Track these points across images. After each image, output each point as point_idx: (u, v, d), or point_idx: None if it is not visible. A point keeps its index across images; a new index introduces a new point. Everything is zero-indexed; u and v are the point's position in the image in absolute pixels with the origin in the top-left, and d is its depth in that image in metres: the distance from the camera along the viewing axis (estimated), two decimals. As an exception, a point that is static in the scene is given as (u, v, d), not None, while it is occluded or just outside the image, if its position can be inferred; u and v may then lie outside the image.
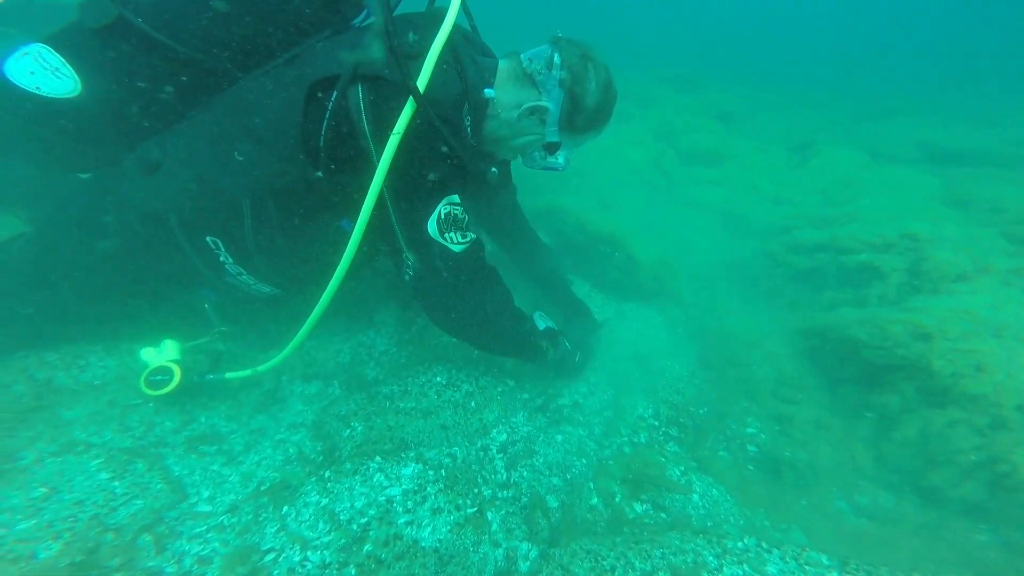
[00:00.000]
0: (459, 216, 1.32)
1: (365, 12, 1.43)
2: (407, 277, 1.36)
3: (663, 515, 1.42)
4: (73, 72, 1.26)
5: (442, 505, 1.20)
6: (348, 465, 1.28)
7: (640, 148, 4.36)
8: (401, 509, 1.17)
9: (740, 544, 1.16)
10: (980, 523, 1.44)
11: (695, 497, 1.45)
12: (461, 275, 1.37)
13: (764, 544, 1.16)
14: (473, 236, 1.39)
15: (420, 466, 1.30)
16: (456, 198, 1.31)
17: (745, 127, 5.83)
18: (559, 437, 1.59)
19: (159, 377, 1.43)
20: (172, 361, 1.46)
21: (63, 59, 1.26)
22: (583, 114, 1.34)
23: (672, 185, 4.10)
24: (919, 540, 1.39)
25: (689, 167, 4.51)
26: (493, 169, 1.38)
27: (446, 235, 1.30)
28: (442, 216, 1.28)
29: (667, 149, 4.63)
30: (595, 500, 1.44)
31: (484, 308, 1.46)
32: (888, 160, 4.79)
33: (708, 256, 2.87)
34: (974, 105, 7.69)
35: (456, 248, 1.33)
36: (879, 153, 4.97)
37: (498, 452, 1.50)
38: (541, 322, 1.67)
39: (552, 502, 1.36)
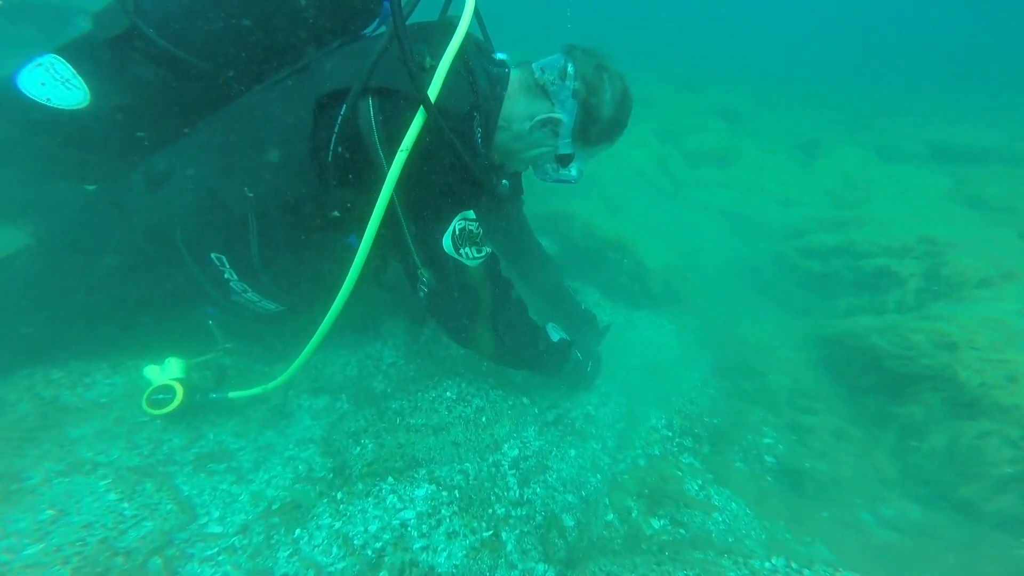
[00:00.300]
0: (474, 231, 1.29)
1: (376, 22, 1.40)
2: (421, 294, 1.34)
3: (682, 531, 1.39)
4: (83, 83, 1.26)
5: (457, 528, 1.17)
6: (360, 486, 1.26)
7: (645, 150, 4.33)
8: (416, 533, 1.14)
9: (768, 564, 1.12)
10: (1022, 537, 1.39)
11: (714, 512, 1.41)
12: (477, 291, 1.34)
13: (794, 564, 1.13)
14: (488, 250, 1.36)
15: (433, 487, 1.27)
16: (471, 213, 1.28)
17: (749, 126, 5.78)
18: (572, 452, 1.55)
19: (161, 396, 1.41)
20: (175, 380, 1.43)
21: (74, 70, 1.26)
22: (598, 126, 1.31)
23: (678, 187, 4.07)
24: (955, 555, 1.34)
25: (695, 168, 4.47)
26: (504, 181, 1.35)
27: (461, 251, 1.27)
28: (457, 232, 1.25)
29: (672, 150, 4.59)
30: (611, 516, 1.41)
31: (500, 323, 1.43)
32: (896, 158, 4.74)
33: (718, 260, 2.83)
34: (977, 103, 7.62)
35: (472, 263, 1.31)
36: (886, 151, 4.92)
37: (510, 468, 1.47)
38: (554, 334, 1.65)
39: (568, 521, 1.33)
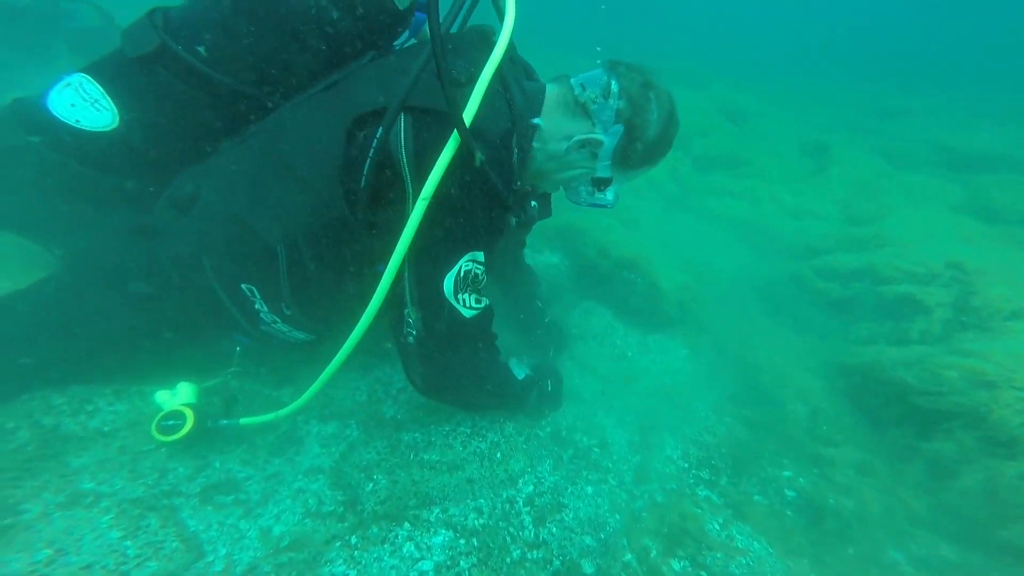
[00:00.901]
0: (479, 276, 1.20)
1: (406, 34, 1.33)
2: (411, 339, 1.21)
3: (703, 574, 1.34)
4: (112, 104, 1.22)
5: (477, 582, 1.12)
6: (375, 529, 1.21)
7: (656, 157, 4.26)
8: (434, 588, 1.10)
9: (798, 624, 1.08)
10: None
11: (738, 556, 1.37)
12: (470, 343, 1.26)
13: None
14: (487, 302, 1.27)
15: (451, 534, 1.22)
16: (481, 255, 1.19)
17: (756, 127, 5.71)
18: (589, 489, 1.51)
19: (171, 422, 1.36)
20: (186, 405, 1.38)
21: (103, 90, 1.23)
22: (641, 148, 1.22)
23: (689, 196, 4.01)
24: (994, 597, 1.30)
25: (705, 174, 4.40)
26: (533, 203, 1.28)
27: (459, 296, 1.18)
28: (461, 274, 1.16)
29: (682, 156, 4.53)
30: (629, 556, 1.36)
31: (481, 381, 1.36)
32: (905, 165, 4.70)
33: (731, 277, 2.77)
34: (984, 104, 7.53)
35: (467, 313, 1.21)
36: (895, 157, 4.87)
37: (525, 505, 1.42)
38: (519, 371, 1.57)
39: (587, 567, 1.28)
